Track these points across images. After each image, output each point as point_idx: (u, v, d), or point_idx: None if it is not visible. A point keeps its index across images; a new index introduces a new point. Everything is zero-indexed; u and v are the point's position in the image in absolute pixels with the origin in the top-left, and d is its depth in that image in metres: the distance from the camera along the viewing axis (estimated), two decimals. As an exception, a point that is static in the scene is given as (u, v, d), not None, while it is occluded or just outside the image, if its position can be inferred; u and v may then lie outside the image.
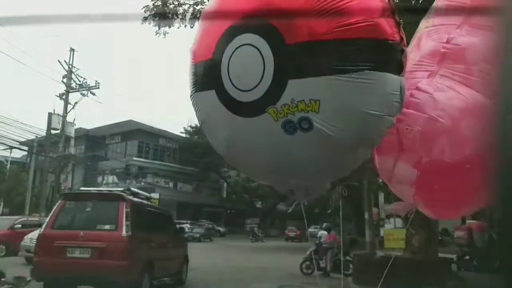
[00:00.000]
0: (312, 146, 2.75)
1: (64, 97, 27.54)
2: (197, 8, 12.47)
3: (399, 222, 23.54)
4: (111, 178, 41.11)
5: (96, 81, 28.25)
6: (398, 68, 2.70)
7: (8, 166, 37.58)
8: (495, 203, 1.08)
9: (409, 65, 3.02)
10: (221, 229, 38.27)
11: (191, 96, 3.30)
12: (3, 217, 21.68)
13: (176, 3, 12.64)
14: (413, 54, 3.19)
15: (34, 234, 15.89)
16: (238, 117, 2.92)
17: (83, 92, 27.78)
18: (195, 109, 3.34)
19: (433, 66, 2.98)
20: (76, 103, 27.72)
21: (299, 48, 2.62)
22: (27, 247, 13.63)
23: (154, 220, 9.23)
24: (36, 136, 28.23)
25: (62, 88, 27.76)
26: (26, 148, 32.65)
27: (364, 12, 2.55)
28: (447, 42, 2.96)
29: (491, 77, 2.63)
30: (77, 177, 36.00)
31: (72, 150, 29.66)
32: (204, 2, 12.33)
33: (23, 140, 27.58)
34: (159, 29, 12.74)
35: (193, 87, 3.24)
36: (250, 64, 2.77)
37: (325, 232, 13.31)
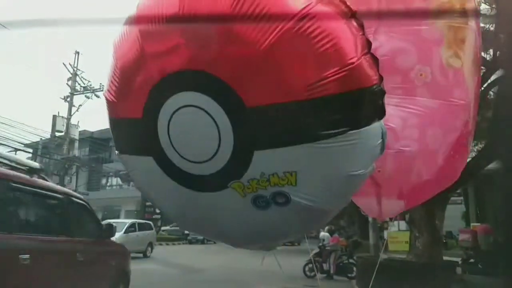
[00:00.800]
0: (290, 218, 2.38)
1: (68, 99, 27.69)
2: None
3: (403, 224, 23.47)
4: (115, 180, 41.19)
5: (100, 83, 28.38)
6: (380, 112, 2.31)
7: (13, 168, 37.67)
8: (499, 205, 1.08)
9: None
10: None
11: (118, 155, 2.71)
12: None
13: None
14: None
15: None
16: (191, 191, 2.42)
17: (88, 94, 27.93)
18: (125, 167, 2.75)
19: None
20: (80, 105, 27.89)
21: (264, 112, 2.04)
22: None
23: (41, 212, 4.74)
24: (41, 138, 28.38)
25: (67, 91, 27.95)
26: (30, 150, 32.81)
27: (337, 45, 1.99)
28: (387, 53, 2.69)
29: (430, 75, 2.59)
30: (81, 179, 36.13)
31: (76, 152, 29.76)
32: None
33: (27, 142, 27.73)
34: None
35: (118, 148, 2.65)
36: (199, 131, 2.19)
37: (327, 234, 13.28)
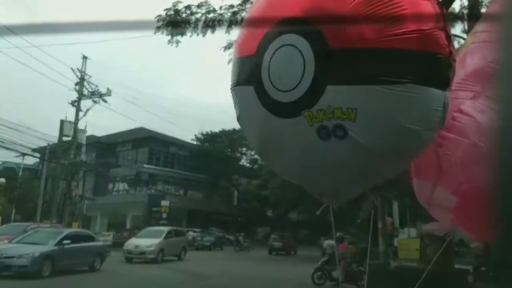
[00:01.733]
0: (346, 154, 2.68)
1: (76, 104, 27.81)
2: (209, 16, 12.56)
3: (413, 232, 23.19)
4: (121, 185, 41.30)
5: (107, 88, 28.50)
6: (445, 83, 2.59)
7: (20, 173, 37.97)
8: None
9: (453, 83, 2.90)
10: (232, 237, 37.86)
11: (231, 88, 3.27)
12: (15, 223, 21.76)
13: (188, 12, 12.72)
14: (458, 71, 3.03)
15: (136, 240, 20.05)
16: (274, 117, 2.87)
17: (95, 99, 28.04)
18: (233, 101, 3.29)
19: (477, 86, 2.84)
20: (87, 110, 27.98)
21: (343, 54, 2.54)
22: (129, 250, 19.33)
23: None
24: (48, 143, 28.53)
25: (75, 95, 28.08)
26: (38, 155, 32.99)
27: (416, 19, 2.44)
28: (493, 61, 2.78)
29: None
30: (88, 184, 36.23)
31: (83, 157, 29.85)
32: (216, 11, 12.46)
33: (35, 147, 27.88)
34: (171, 38, 12.84)
35: (233, 80, 3.21)
36: (290, 64, 2.71)
37: (331, 242, 13.19)
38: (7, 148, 24.03)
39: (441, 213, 3.17)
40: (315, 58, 2.59)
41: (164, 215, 33.24)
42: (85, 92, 28.07)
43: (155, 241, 19.42)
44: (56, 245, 13.04)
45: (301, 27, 2.65)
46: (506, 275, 1.06)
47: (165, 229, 21.84)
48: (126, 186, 41.04)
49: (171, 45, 12.98)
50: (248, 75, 3.02)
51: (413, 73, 2.47)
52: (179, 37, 12.95)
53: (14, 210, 31.46)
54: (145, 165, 39.61)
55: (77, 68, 27.97)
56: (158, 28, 12.55)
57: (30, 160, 38.79)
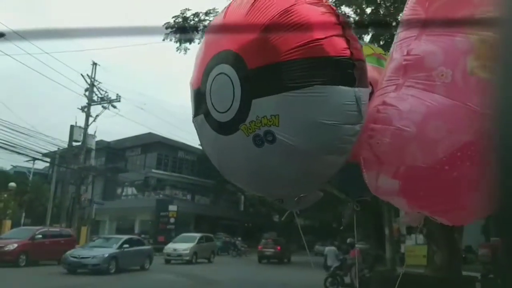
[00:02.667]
0: (280, 156, 3.10)
1: (86, 109, 28.13)
2: (217, 23, 12.67)
3: (420, 238, 23.04)
4: (130, 190, 41.53)
5: (117, 94, 28.81)
6: (350, 80, 2.96)
7: (30, 177, 38.38)
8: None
9: (383, 81, 3.34)
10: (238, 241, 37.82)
11: (192, 121, 3.77)
12: (25, 227, 22.01)
13: (196, 19, 12.87)
14: (386, 69, 3.43)
15: (174, 245, 23.36)
16: (220, 135, 3.36)
17: (105, 105, 28.34)
18: (196, 132, 3.79)
19: (399, 79, 3.16)
20: (97, 115, 28.28)
21: (259, 71, 3.03)
22: (168, 253, 22.92)
23: None
24: (58, 148, 28.82)
25: (84, 101, 28.40)
26: (48, 159, 33.33)
27: (317, 30, 2.89)
28: (408, 54, 3.15)
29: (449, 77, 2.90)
30: (97, 189, 36.52)
31: (92, 162, 30.16)
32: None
33: (45, 151, 28.19)
34: (180, 45, 12.98)
35: (192, 114, 3.73)
36: (223, 89, 3.21)
37: (332, 248, 13.25)
38: (18, 153, 24.31)
39: (392, 200, 3.44)
40: (239, 80, 3.09)
41: (172, 220, 33.37)
42: (95, 98, 28.39)
43: (190, 245, 23.00)
44: (118, 248, 16.38)
45: (226, 56, 3.18)
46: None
47: (198, 235, 25.49)
48: (134, 191, 41.25)
49: (179, 52, 13.13)
50: (199, 105, 3.52)
51: (318, 76, 2.89)
52: (187, 44, 13.09)
53: (24, 214, 31.78)
54: (153, 170, 39.82)
55: (87, 74, 28.36)
56: (167, 35, 12.78)
57: (41, 165, 39.22)
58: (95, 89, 28.43)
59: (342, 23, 3.05)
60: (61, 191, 32.46)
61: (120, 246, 16.47)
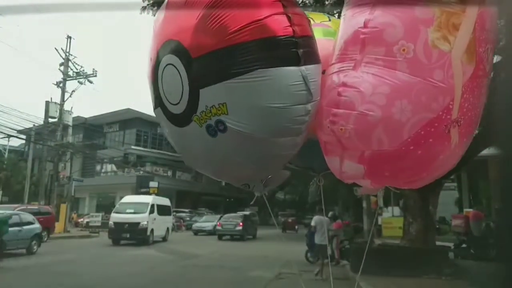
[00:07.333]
0: (234, 143, 3.05)
1: (61, 85, 27.41)
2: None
3: (397, 210, 23.71)
4: (109, 167, 41.15)
5: (93, 69, 28.13)
6: (293, 59, 2.84)
7: (6, 155, 37.55)
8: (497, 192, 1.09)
9: (336, 54, 3.08)
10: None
11: (154, 112, 3.72)
12: (3, 205, 21.65)
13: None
14: (338, 42, 3.14)
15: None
16: (177, 127, 3.32)
17: (81, 80, 27.65)
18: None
19: (356, 55, 2.92)
20: (73, 91, 27.61)
21: (202, 60, 2.95)
22: None
23: None
24: (34, 125, 28.16)
25: (59, 76, 27.65)
26: (24, 136, 32.58)
27: (254, 9, 2.80)
28: (365, 26, 2.88)
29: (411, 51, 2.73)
30: (75, 166, 36.02)
31: (70, 138, 29.56)
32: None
33: (20, 128, 27.52)
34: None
35: (152, 105, 3.68)
36: (172, 81, 3.15)
37: (324, 218, 13.46)
38: (-8, 130, 23.66)
39: (357, 181, 3.36)
40: (186, 70, 3.02)
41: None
42: (70, 73, 27.64)
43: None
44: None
45: (172, 47, 3.11)
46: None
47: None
48: (114, 168, 40.90)
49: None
50: (155, 99, 3.49)
51: (260, 59, 2.80)
52: None
53: (1, 192, 31.23)
54: (132, 147, 39.44)
55: (61, 48, 27.50)
56: (144, 8, 12.58)
57: (16, 142, 38.37)
58: (70, 64, 27.66)
59: (284, 0, 2.88)
60: (38, 169, 31.92)
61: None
